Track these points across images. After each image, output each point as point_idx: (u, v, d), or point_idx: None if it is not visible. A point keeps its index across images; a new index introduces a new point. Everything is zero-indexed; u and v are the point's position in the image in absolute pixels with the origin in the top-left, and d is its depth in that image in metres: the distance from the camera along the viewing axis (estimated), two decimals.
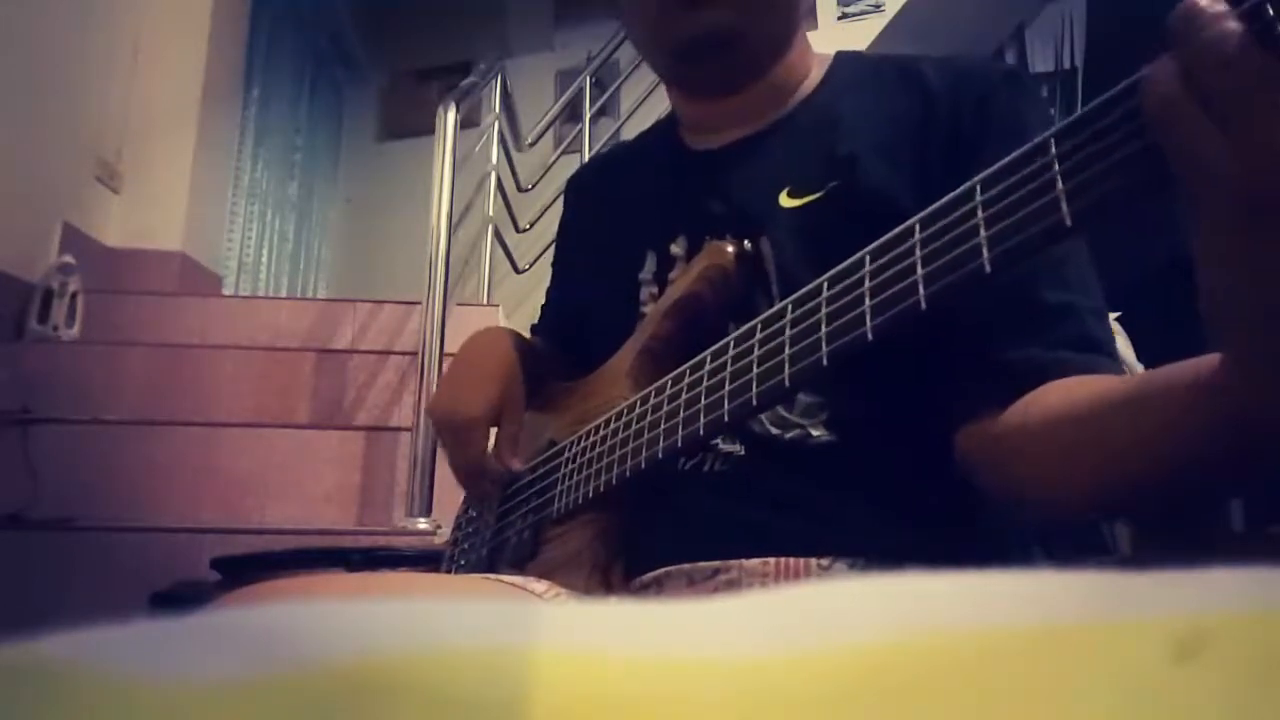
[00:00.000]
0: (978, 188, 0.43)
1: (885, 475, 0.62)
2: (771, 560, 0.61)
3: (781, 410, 0.63)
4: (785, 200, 0.67)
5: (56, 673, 0.14)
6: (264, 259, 3.91)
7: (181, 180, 3.08)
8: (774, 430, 0.63)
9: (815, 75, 0.74)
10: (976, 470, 0.59)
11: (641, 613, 0.17)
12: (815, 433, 0.63)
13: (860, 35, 3.40)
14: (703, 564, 0.63)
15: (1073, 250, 0.60)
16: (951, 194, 0.45)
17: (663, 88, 0.81)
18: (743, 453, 0.64)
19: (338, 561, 1.34)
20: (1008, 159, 0.42)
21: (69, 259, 2.47)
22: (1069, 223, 0.38)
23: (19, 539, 1.68)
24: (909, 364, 0.59)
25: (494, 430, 0.77)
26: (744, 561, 0.61)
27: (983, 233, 0.42)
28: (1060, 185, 0.39)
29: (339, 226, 4.81)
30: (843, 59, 0.76)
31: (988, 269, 0.42)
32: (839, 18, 3.51)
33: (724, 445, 0.65)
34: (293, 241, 4.27)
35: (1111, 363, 0.57)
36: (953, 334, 0.58)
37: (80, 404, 2.04)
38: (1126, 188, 0.37)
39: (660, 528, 0.65)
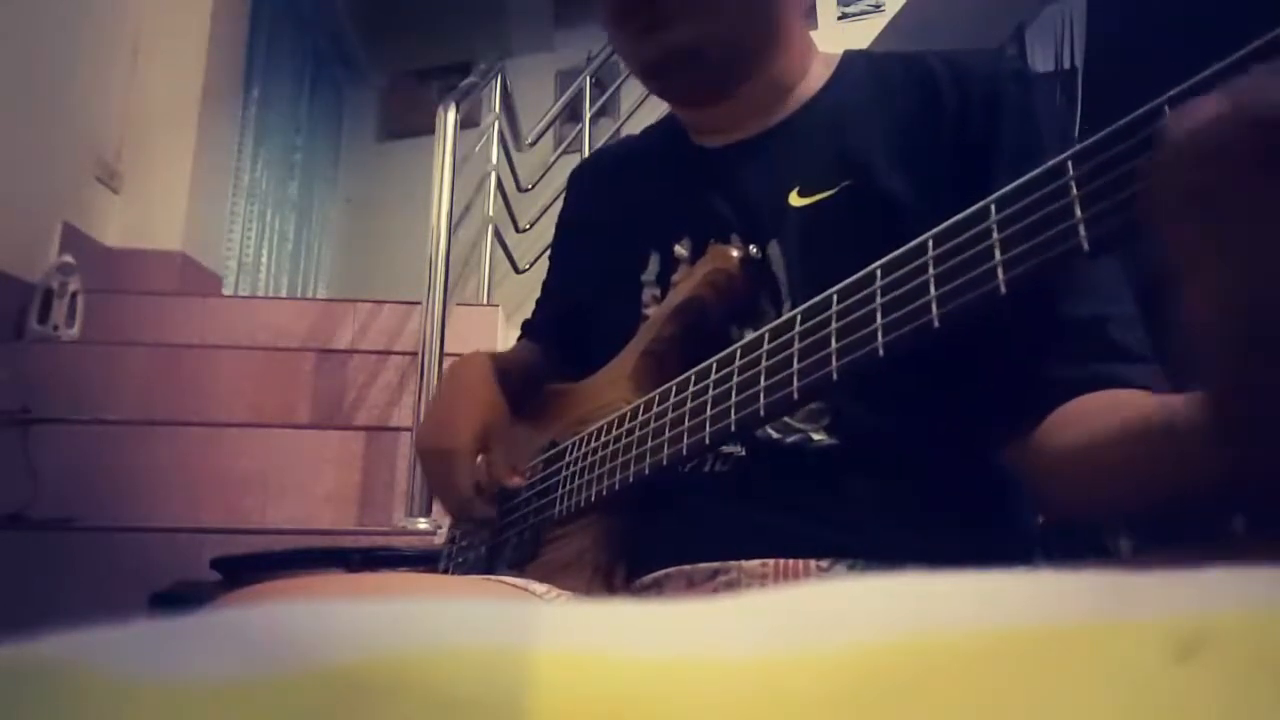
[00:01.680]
0: (993, 207, 0.43)
1: (886, 478, 0.62)
2: (771, 561, 0.60)
3: None
4: (795, 199, 0.67)
5: (56, 673, 0.14)
6: (264, 259, 3.91)
7: (181, 180, 3.08)
8: (775, 435, 0.63)
9: (821, 75, 0.74)
10: (1025, 481, 0.61)
11: (641, 613, 0.17)
12: (816, 437, 0.63)
13: (860, 35, 3.39)
14: (702, 565, 0.63)
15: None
16: (966, 211, 0.44)
17: None
18: (743, 454, 0.64)
19: (338, 561, 1.34)
20: (1023, 179, 0.42)
21: (69, 259, 2.47)
22: (1087, 248, 0.38)
23: (19, 539, 1.68)
24: (911, 373, 0.59)
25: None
26: (743, 563, 0.61)
27: (998, 255, 0.42)
28: (1079, 212, 0.38)
29: (339, 226, 4.81)
30: (849, 58, 0.75)
31: (1003, 290, 0.41)
32: (839, 18, 3.51)
33: (725, 446, 0.65)
34: (293, 241, 4.27)
35: (1140, 368, 0.57)
36: (979, 349, 0.58)
37: (80, 404, 2.04)
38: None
39: (661, 529, 0.65)
